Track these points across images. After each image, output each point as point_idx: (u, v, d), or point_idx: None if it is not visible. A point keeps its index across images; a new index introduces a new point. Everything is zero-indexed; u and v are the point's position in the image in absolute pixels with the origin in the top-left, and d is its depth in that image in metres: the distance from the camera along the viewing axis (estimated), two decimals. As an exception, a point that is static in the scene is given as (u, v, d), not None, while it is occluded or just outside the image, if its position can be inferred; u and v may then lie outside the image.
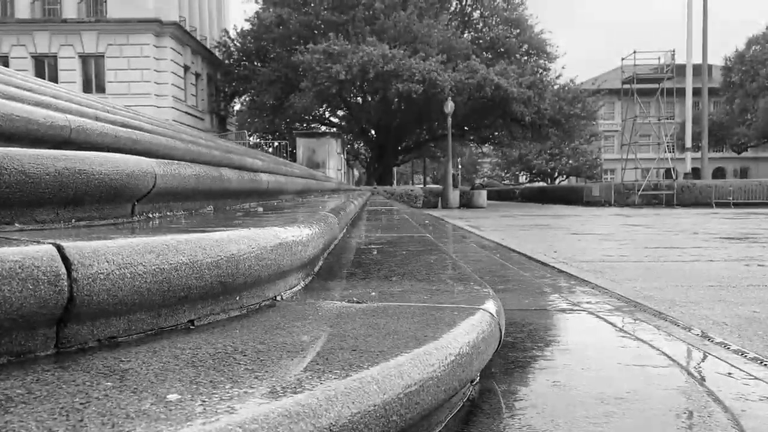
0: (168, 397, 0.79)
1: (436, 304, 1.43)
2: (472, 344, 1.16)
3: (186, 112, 28.57)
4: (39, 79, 6.94)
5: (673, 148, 29.85)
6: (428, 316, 1.31)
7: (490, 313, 1.37)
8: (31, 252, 0.91)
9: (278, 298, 1.49)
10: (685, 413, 1.23)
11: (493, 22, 30.96)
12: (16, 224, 1.34)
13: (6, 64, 24.31)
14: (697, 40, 28.86)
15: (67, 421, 0.70)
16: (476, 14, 32.03)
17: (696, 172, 32.10)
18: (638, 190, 24.48)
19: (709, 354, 1.88)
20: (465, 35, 30.11)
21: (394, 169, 39.48)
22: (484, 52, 28.94)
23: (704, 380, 1.52)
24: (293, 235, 1.48)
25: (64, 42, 26.75)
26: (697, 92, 32.82)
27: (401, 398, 0.90)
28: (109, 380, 0.85)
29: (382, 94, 24.61)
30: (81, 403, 0.76)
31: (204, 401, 0.77)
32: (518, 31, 29.95)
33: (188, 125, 22.05)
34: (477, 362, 1.18)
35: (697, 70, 31.48)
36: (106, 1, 27.04)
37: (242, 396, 0.79)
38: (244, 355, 0.99)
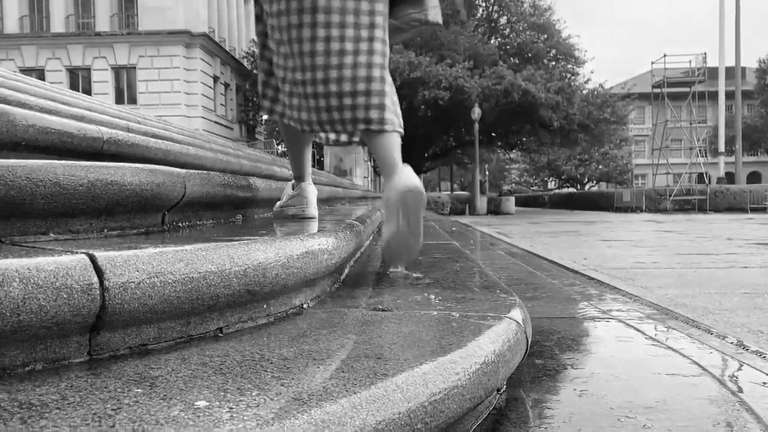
0: (196, 403, 0.80)
1: (461, 313, 1.43)
2: (498, 353, 1.16)
3: (215, 122, 29.01)
4: (73, 91, 7.12)
5: (705, 153, 29.33)
6: (453, 324, 1.31)
7: (516, 321, 1.37)
8: (65, 262, 0.94)
9: (305, 305, 1.51)
10: (715, 424, 1.21)
11: (520, 28, 30.80)
12: (51, 234, 1.37)
13: (42, 77, 24.99)
14: (729, 41, 28.32)
15: (100, 426, 0.72)
16: (503, 20, 31.92)
17: (730, 177, 31.42)
18: (670, 196, 24.05)
19: (743, 363, 1.84)
20: (492, 41, 30.02)
21: (421, 175, 39.48)
22: (511, 58, 28.81)
23: (737, 390, 1.49)
24: (319, 244, 1.50)
25: (97, 54, 27.41)
26: (730, 95, 32.25)
27: (426, 406, 0.90)
28: (140, 387, 0.87)
29: (408, 102, 24.64)
30: (113, 409, 0.78)
31: (231, 408, 0.78)
32: (545, 36, 29.74)
33: (218, 135, 22.37)
34: (503, 371, 1.18)
35: (730, 72, 30.93)
36: (137, 14, 27.64)
37: (269, 403, 0.80)
38: (271, 363, 1.00)
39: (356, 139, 2.18)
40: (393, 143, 1.97)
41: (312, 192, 2.40)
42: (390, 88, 1.99)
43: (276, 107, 2.20)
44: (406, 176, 1.88)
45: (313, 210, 2.39)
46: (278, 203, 2.50)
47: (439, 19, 2.17)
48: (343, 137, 2.20)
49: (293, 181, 2.46)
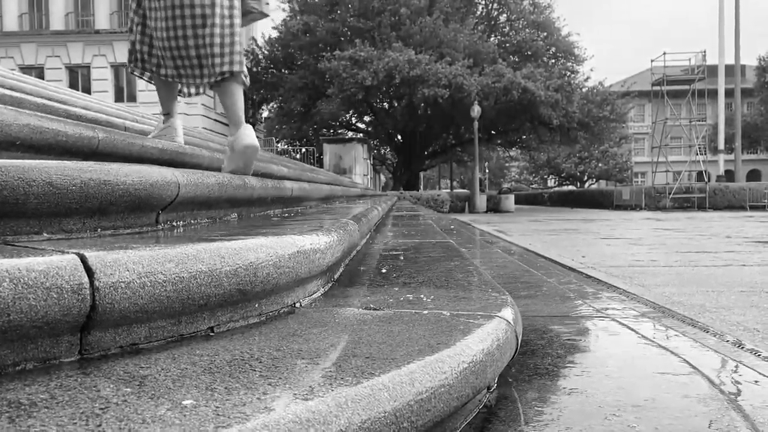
0: (183, 402, 0.81)
1: (452, 312, 1.44)
2: (486, 352, 1.17)
3: (215, 120, 28.98)
4: (71, 89, 7.12)
5: (705, 151, 29.33)
6: (443, 323, 1.31)
7: (506, 320, 1.38)
8: (55, 261, 0.95)
9: (297, 305, 1.51)
10: (702, 422, 1.22)
11: (520, 26, 30.79)
12: (44, 234, 1.38)
13: (41, 75, 24.99)
14: (729, 39, 28.29)
15: (87, 425, 0.73)
16: (503, 18, 31.90)
17: (729, 175, 31.42)
18: (669, 194, 24.07)
19: (737, 362, 1.85)
20: (491, 39, 30.00)
21: (421, 173, 39.46)
22: (510, 56, 28.80)
23: (727, 389, 1.49)
24: (311, 243, 1.50)
25: (96, 52, 27.38)
26: (729, 93, 32.21)
27: (412, 405, 0.91)
28: (129, 386, 0.88)
29: (408, 100, 24.64)
30: (100, 408, 0.79)
31: (217, 407, 0.79)
32: (545, 34, 29.73)
33: (218, 133, 22.35)
34: (491, 370, 1.19)
35: (729, 70, 30.91)
36: (137, 12, 27.55)
37: (255, 402, 0.81)
38: (260, 362, 1.01)
39: (202, 90, 2.77)
40: (240, 96, 2.76)
41: (179, 124, 3.18)
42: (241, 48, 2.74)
43: (146, 65, 2.88)
44: (249, 135, 2.68)
45: (181, 139, 3.15)
46: (151, 134, 3.13)
47: (268, 12, 3.08)
48: (198, 89, 2.77)
49: (163, 117, 3.17)
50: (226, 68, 2.64)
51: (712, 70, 28.83)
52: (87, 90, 25.66)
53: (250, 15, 3.00)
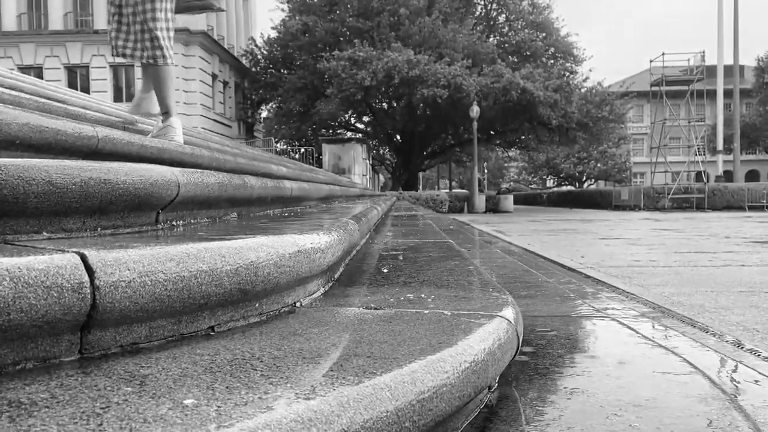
0: (185, 402, 0.81)
1: (453, 311, 1.44)
2: (488, 351, 1.16)
3: (214, 120, 28.96)
4: (70, 89, 7.11)
5: (704, 151, 29.35)
6: (445, 322, 1.31)
7: (507, 319, 1.38)
8: (55, 260, 0.95)
9: (297, 304, 1.51)
10: (703, 422, 1.22)
11: (519, 26, 30.81)
12: (44, 233, 1.38)
13: (40, 75, 24.96)
14: (728, 39, 28.33)
15: (87, 425, 0.73)
16: (501, 18, 31.92)
17: (728, 175, 31.45)
18: (668, 194, 24.09)
19: (737, 361, 1.85)
20: (490, 39, 30.01)
21: (420, 174, 39.46)
22: (509, 56, 28.81)
23: (728, 388, 1.49)
24: (311, 242, 1.50)
25: (95, 52, 27.36)
26: (728, 94, 32.22)
27: (414, 404, 0.91)
28: (130, 385, 0.87)
29: (407, 100, 24.65)
30: (101, 408, 0.78)
31: (219, 407, 0.79)
32: (544, 34, 29.74)
33: (217, 133, 22.35)
34: (493, 369, 1.19)
35: (728, 71, 30.91)
36: (136, 12, 27.51)
37: (256, 402, 0.81)
38: (261, 362, 1.00)
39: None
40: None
41: (178, 123, 3.34)
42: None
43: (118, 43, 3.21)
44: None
45: (180, 139, 3.27)
46: (150, 134, 3.24)
47: (224, 6, 3.48)
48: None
49: (162, 116, 3.34)
50: (168, 56, 3.17)
51: (711, 71, 28.85)
52: (86, 90, 25.63)
53: (207, 9, 3.57)
